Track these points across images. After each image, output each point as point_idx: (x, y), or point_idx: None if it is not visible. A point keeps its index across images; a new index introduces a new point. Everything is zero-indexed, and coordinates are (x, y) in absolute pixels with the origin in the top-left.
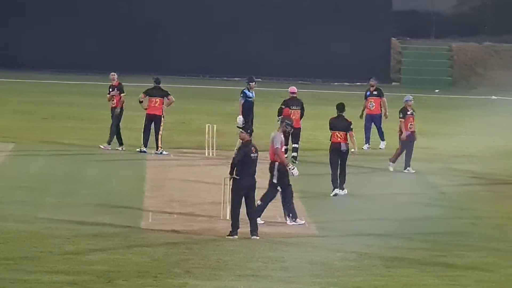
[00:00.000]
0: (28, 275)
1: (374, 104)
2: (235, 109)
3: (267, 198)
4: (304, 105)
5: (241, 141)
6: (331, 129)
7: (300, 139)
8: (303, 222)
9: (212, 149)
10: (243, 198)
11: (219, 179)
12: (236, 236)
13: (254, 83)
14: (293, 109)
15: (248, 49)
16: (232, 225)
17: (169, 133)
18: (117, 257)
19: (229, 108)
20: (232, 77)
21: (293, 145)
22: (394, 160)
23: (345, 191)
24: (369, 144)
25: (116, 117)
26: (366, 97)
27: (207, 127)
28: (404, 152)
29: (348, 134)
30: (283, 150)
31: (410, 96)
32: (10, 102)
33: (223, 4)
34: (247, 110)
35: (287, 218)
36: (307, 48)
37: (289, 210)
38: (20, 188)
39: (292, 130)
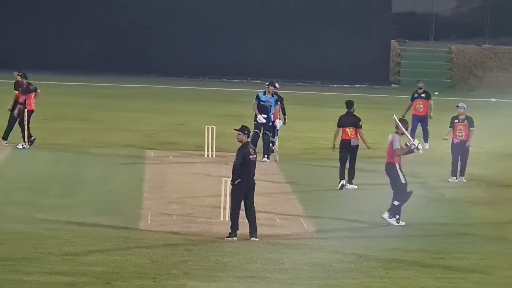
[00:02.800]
0: (27, 276)
1: (422, 107)
2: (234, 111)
3: (404, 198)
4: (284, 101)
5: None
6: (340, 125)
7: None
8: (396, 224)
9: (212, 150)
10: (243, 199)
11: (218, 180)
12: (235, 238)
13: (272, 87)
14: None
15: (247, 50)
16: (231, 226)
17: (168, 135)
18: (116, 259)
19: (228, 109)
20: (231, 78)
21: (271, 139)
22: (452, 173)
23: (355, 186)
24: None
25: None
26: (413, 99)
27: (206, 128)
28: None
29: (357, 130)
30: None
31: (462, 104)
32: (9, 103)
33: (223, 6)
34: (261, 113)
35: (390, 217)
36: (306, 50)
37: (391, 208)
38: (20, 189)
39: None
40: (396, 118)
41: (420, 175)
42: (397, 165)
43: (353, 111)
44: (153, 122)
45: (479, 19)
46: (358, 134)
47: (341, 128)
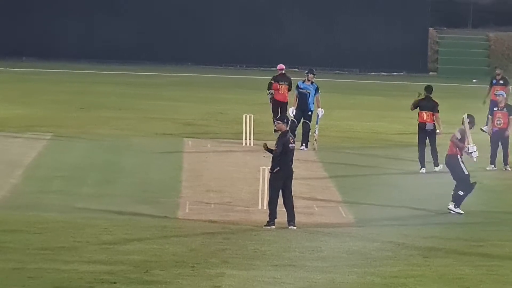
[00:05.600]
0: (65, 264)
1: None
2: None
3: (468, 189)
4: (292, 81)
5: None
6: (417, 108)
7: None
8: (462, 212)
9: (249, 139)
10: (281, 188)
11: (256, 169)
12: (273, 226)
13: (311, 75)
14: (282, 84)
15: (285, 39)
16: (269, 215)
17: (206, 123)
18: (154, 247)
19: (266, 98)
20: (269, 67)
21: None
22: (491, 161)
23: (440, 166)
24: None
25: None
26: (491, 85)
27: (244, 117)
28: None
29: (434, 115)
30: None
31: (501, 92)
32: (47, 92)
33: None
34: (300, 101)
35: (456, 207)
36: (344, 38)
37: (456, 198)
38: (58, 178)
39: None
40: (466, 120)
41: None
42: (459, 156)
43: (432, 96)
44: (191, 110)
45: None
46: (434, 118)
47: (417, 110)
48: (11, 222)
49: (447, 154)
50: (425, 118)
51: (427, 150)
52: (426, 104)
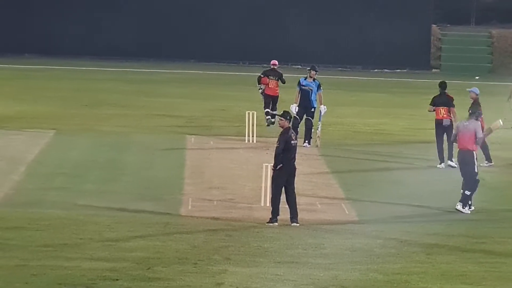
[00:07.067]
0: (68, 261)
1: None
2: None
3: (474, 187)
4: (283, 76)
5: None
6: (434, 105)
7: (277, 106)
8: (468, 212)
9: (252, 136)
10: (284, 185)
11: (259, 166)
12: (276, 223)
13: (313, 72)
14: (271, 79)
15: (287, 36)
16: (272, 212)
17: (209, 120)
18: (157, 244)
19: None
20: None
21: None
22: (486, 157)
23: (453, 163)
24: None
25: None
26: None
27: (247, 114)
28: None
29: (450, 109)
30: None
31: (474, 88)
32: (50, 89)
33: None
34: (302, 98)
35: (464, 207)
36: (347, 35)
37: (463, 198)
38: (60, 175)
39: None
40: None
41: None
42: (474, 153)
43: (446, 91)
44: (194, 107)
45: None
46: (451, 113)
47: (435, 107)
48: (14, 219)
49: (460, 150)
50: (441, 115)
51: (445, 146)
52: (441, 100)
